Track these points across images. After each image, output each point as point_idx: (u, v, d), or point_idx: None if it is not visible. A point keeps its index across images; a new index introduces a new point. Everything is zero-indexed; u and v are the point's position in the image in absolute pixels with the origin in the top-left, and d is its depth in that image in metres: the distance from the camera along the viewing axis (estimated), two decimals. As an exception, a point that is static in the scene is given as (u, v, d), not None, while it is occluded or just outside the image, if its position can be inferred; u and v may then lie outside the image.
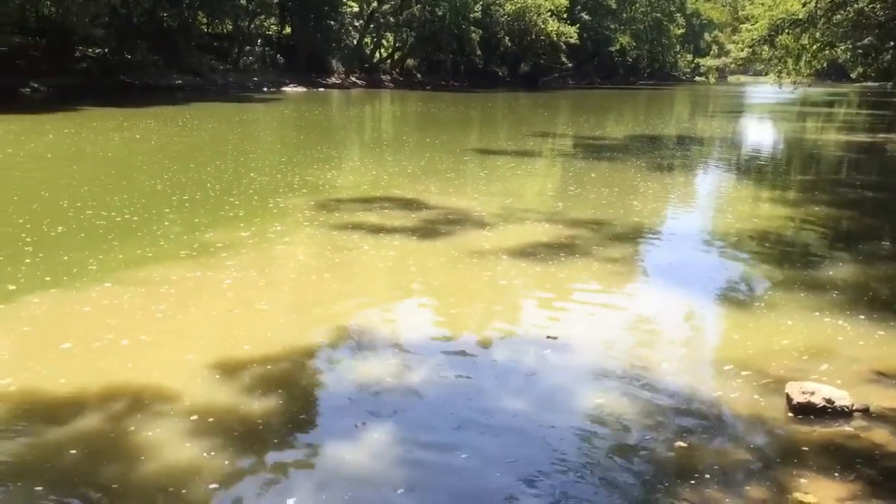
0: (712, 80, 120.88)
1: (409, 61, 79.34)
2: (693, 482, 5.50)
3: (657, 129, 35.54)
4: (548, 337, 8.11)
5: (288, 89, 57.56)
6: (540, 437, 6.09)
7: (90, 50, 49.39)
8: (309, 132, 30.54)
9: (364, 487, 5.41)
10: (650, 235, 13.34)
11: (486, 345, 7.98)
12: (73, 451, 5.72)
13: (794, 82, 51.83)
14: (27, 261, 10.43)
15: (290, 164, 20.46)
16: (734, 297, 9.78)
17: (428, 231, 12.73)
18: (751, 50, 45.45)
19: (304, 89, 58.88)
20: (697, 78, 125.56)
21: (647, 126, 37.50)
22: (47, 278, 9.71)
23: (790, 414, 6.47)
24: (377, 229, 12.74)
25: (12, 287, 9.40)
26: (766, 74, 61.01)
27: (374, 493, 5.36)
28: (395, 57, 78.67)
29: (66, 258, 10.61)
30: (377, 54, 77.52)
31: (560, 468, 5.64)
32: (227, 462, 5.66)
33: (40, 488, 5.23)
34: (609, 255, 11.57)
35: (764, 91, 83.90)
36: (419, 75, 77.34)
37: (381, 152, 24.43)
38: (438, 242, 12.05)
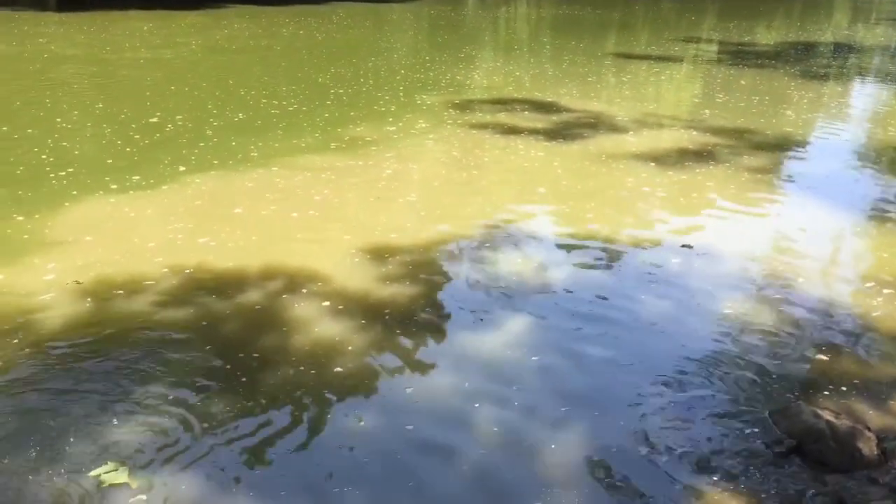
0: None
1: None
2: (832, 393, 5.33)
3: (813, 37, 33.18)
4: (683, 246, 7.92)
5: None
6: (673, 342, 5.99)
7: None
8: (452, 33, 30.21)
9: (495, 372, 5.48)
10: (801, 147, 12.61)
11: (620, 249, 7.86)
12: (235, 321, 6.08)
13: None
14: (201, 144, 11.06)
15: (435, 63, 20.37)
16: (884, 216, 9.21)
17: (567, 134, 12.49)
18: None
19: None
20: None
21: (801, 33, 35.06)
22: (215, 161, 10.27)
23: (936, 334, 6.14)
24: (518, 130, 12.61)
25: (182, 168, 9.97)
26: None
27: (508, 375, 5.42)
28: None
29: (233, 143, 11.15)
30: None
31: (692, 375, 5.55)
32: (369, 341, 5.84)
33: (209, 351, 5.61)
34: (756, 164, 11.04)
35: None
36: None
37: (521, 54, 23.93)
38: (577, 146, 11.82)
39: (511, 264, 7.35)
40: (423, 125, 12.86)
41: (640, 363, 5.68)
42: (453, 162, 10.91)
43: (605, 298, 6.68)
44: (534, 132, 12.51)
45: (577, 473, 4.44)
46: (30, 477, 4.05)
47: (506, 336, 5.99)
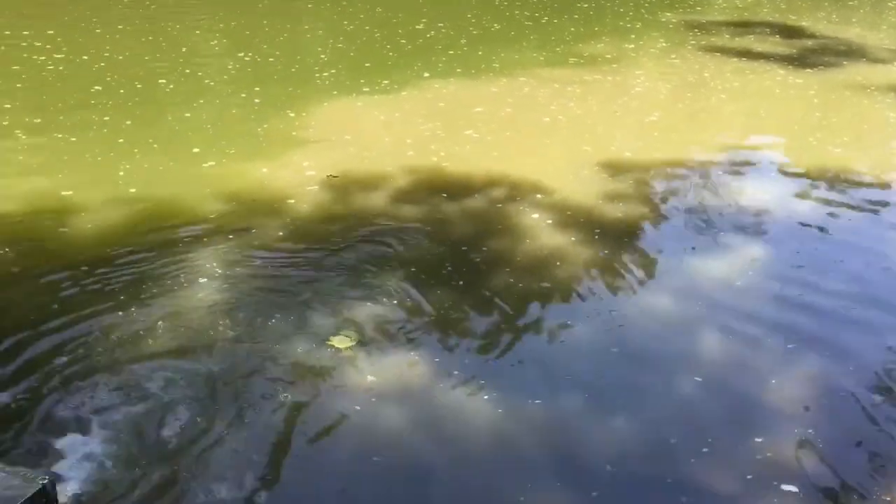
0: None
1: None
2: None
3: None
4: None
5: None
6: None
7: None
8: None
9: (713, 301, 5.12)
10: None
11: (864, 189, 7.09)
12: (462, 224, 6.13)
13: None
14: (450, 52, 11.21)
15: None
16: None
17: (818, 62, 11.24)
18: None
19: None
20: None
21: None
22: (458, 69, 10.36)
23: None
24: (764, 55, 11.55)
25: (427, 74, 10.12)
26: None
27: (726, 304, 5.03)
28: None
29: (480, 53, 11.19)
30: None
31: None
32: (587, 256, 5.64)
33: (436, 248, 5.68)
34: None
35: None
36: None
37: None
38: (829, 75, 10.63)
39: (742, 195, 6.81)
40: (664, 44, 12.17)
41: (880, 307, 5.10)
42: (694, 84, 10.24)
43: (845, 240, 6.06)
44: (782, 58, 11.41)
45: (801, 412, 4.04)
46: (276, 345, 4.39)
47: (729, 266, 5.57)
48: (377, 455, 3.57)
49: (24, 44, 10.98)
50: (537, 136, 8.10)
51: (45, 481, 2.97)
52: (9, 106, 8.45)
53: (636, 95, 9.57)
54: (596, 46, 11.86)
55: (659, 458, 3.67)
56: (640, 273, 5.48)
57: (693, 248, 5.85)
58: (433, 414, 3.89)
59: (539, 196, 6.57)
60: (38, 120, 8.01)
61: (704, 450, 3.70)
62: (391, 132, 8.09)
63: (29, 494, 2.90)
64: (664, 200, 6.71)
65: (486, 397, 3.99)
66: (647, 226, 6.23)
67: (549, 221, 6.13)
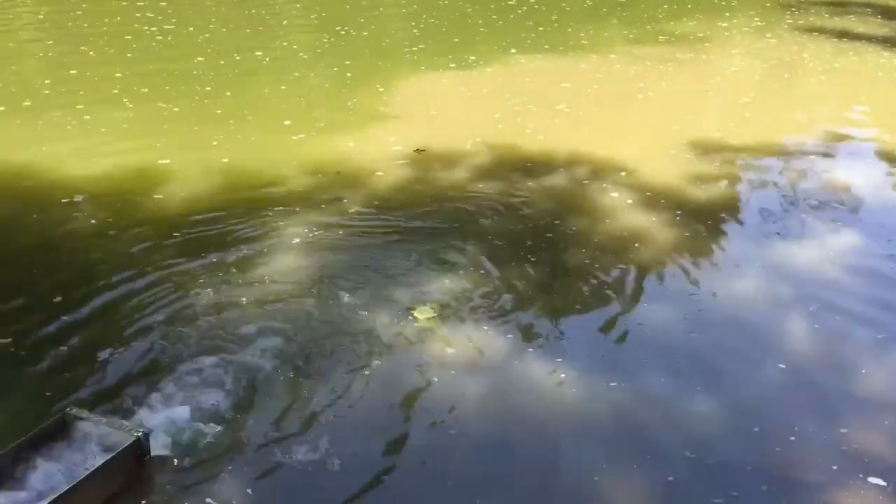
0: None
1: None
2: None
3: None
4: None
5: None
6: None
7: None
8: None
9: (803, 284, 4.91)
10: None
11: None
12: (542, 200, 6.03)
13: None
14: (540, 29, 11.08)
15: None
16: None
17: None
18: None
19: None
20: None
21: None
22: (546, 45, 10.22)
23: None
24: (864, 37, 11.00)
25: (514, 50, 10.01)
26: None
27: (816, 288, 4.80)
28: None
29: (569, 29, 11.00)
30: None
31: None
32: (669, 238, 5.48)
33: (516, 225, 5.64)
34: None
35: None
36: None
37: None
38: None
39: (835, 180, 6.52)
40: (759, 23, 11.70)
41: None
42: (790, 65, 9.82)
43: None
44: (883, 40, 10.83)
45: (891, 404, 3.85)
46: (358, 314, 4.44)
47: (817, 253, 5.34)
48: (454, 428, 3.58)
49: (138, 14, 11.38)
50: (625, 113, 7.92)
51: (140, 434, 3.11)
52: (119, 75, 8.77)
53: (730, 75, 9.25)
54: (688, 24, 11.50)
55: (740, 446, 3.56)
56: (722, 257, 5.32)
57: (779, 234, 5.64)
58: (509, 390, 3.87)
59: (623, 174, 6.43)
60: (145, 90, 8.29)
61: (791, 438, 3.56)
62: (477, 107, 8.04)
63: (125, 445, 3.05)
64: (752, 183, 6.48)
65: (562, 376, 3.95)
66: (732, 209, 6.03)
67: (631, 201, 6.00)
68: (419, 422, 3.63)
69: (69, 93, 8.21)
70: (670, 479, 3.33)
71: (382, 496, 3.20)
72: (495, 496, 3.21)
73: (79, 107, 7.69)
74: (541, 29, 11.08)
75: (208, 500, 3.09)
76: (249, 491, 3.15)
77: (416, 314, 4.43)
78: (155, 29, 10.80)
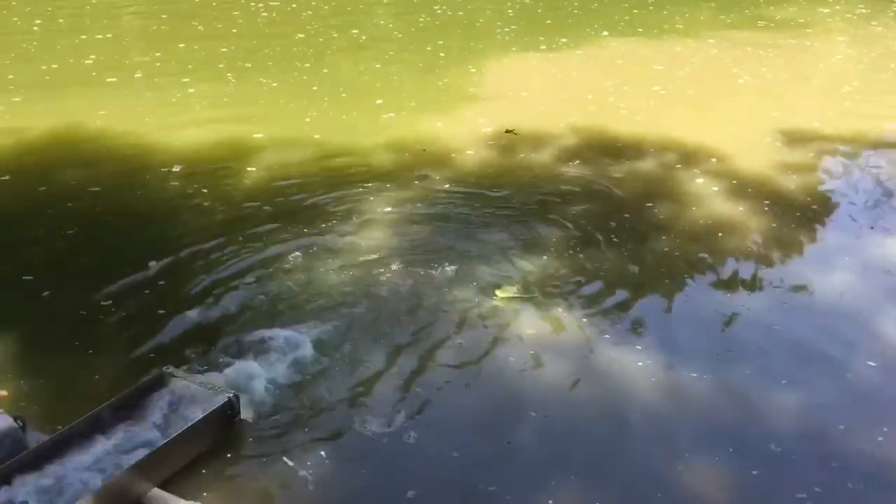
0: None
1: None
2: None
3: None
4: None
5: None
6: None
7: None
8: None
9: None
10: None
11: None
12: (631, 184, 5.90)
13: None
14: (634, 11, 10.82)
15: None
16: None
17: None
18: None
19: None
20: None
21: None
22: (639, 28, 9.97)
23: None
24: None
25: (606, 33, 9.82)
26: None
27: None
28: None
29: (664, 12, 10.70)
30: None
31: None
32: (756, 228, 5.27)
33: (602, 208, 5.51)
34: None
35: None
36: None
37: None
38: None
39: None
40: (864, 10, 11.09)
41: None
42: None
43: None
44: None
45: None
46: (441, 290, 4.44)
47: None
48: (532, 409, 3.54)
49: (245, -11, 11.62)
50: (720, 98, 7.66)
51: (231, 395, 3.23)
52: (225, 50, 9.01)
53: (834, 63, 8.82)
54: (788, 10, 11.02)
55: (826, 442, 3.42)
56: (810, 249, 5.11)
57: (872, 228, 5.37)
58: (589, 373, 3.81)
59: (713, 161, 6.23)
60: (248, 64, 8.50)
61: (879, 438, 3.41)
62: (568, 89, 7.92)
63: (217, 405, 3.16)
64: (846, 174, 6.17)
65: (639, 364, 3.88)
66: (823, 200, 5.75)
67: (718, 188, 5.81)
68: (494, 400, 3.62)
69: (177, 66, 8.49)
70: (754, 472, 3.22)
71: (455, 470, 3.20)
72: (569, 479, 3.17)
73: (184, 79, 7.94)
74: (635, 12, 10.81)
75: (285, 458, 3.17)
76: (323, 454, 3.21)
77: (498, 293, 4.42)
78: (261, 6, 11.03)
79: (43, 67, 8.38)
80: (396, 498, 3.03)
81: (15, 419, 2.93)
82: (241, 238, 4.93)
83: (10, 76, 8.05)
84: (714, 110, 7.38)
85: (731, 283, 4.68)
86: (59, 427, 3.02)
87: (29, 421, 3.04)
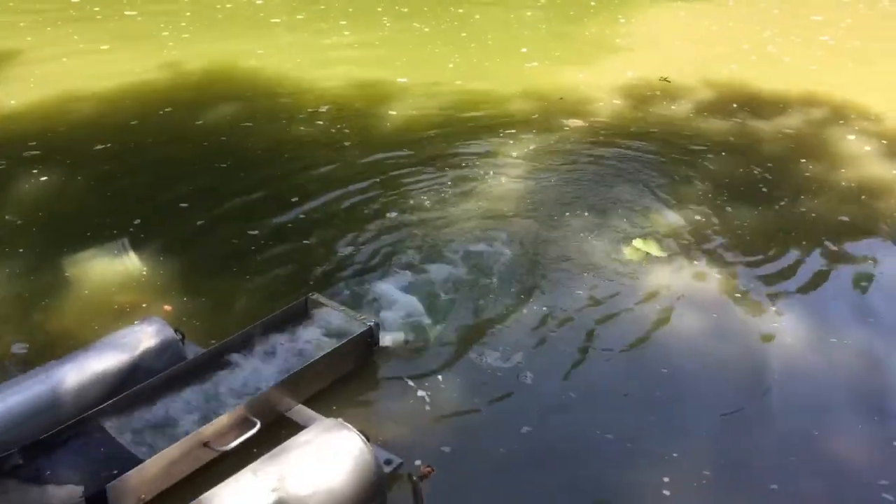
0: None
1: None
2: None
3: None
4: None
5: None
6: None
7: None
8: None
9: None
10: None
11: None
12: (775, 142, 5.60)
13: None
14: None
15: None
16: None
17: None
18: None
19: None
20: None
21: None
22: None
23: None
24: None
25: None
26: None
27: None
28: None
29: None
30: None
31: None
32: None
33: (749, 166, 5.25)
34: None
35: None
36: None
37: None
38: None
39: None
40: None
41: None
42: None
43: None
44: None
45: None
46: (575, 239, 4.36)
47: None
48: (666, 366, 3.40)
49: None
50: (884, 51, 7.02)
51: (372, 323, 3.32)
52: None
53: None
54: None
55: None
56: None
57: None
58: (722, 332, 3.64)
59: (867, 121, 5.76)
60: (405, 9, 8.54)
61: None
62: (720, 40, 7.49)
63: (358, 332, 3.26)
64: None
65: (774, 325, 3.67)
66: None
67: (869, 148, 5.37)
68: (620, 352, 3.52)
69: (338, 8, 8.64)
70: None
71: (570, 414, 3.15)
72: (700, 435, 3.05)
73: (342, 21, 8.07)
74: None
75: (411, 383, 3.24)
76: (443, 385, 3.24)
77: (634, 244, 4.30)
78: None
79: (217, 6, 8.75)
80: (512, 431, 3.03)
81: (175, 331, 3.12)
82: (379, 178, 5.00)
83: (188, 13, 8.46)
84: (876, 63, 6.78)
85: (875, 251, 4.35)
86: (214, 342, 3.20)
87: (188, 335, 3.23)
